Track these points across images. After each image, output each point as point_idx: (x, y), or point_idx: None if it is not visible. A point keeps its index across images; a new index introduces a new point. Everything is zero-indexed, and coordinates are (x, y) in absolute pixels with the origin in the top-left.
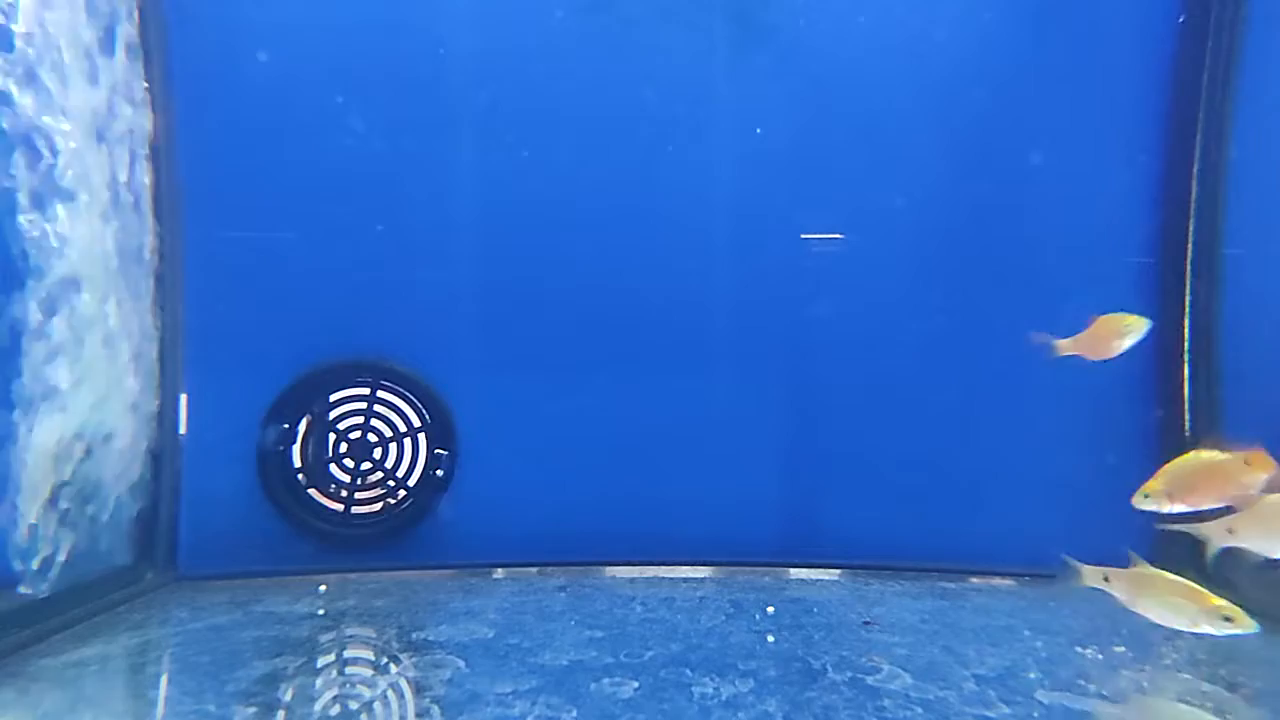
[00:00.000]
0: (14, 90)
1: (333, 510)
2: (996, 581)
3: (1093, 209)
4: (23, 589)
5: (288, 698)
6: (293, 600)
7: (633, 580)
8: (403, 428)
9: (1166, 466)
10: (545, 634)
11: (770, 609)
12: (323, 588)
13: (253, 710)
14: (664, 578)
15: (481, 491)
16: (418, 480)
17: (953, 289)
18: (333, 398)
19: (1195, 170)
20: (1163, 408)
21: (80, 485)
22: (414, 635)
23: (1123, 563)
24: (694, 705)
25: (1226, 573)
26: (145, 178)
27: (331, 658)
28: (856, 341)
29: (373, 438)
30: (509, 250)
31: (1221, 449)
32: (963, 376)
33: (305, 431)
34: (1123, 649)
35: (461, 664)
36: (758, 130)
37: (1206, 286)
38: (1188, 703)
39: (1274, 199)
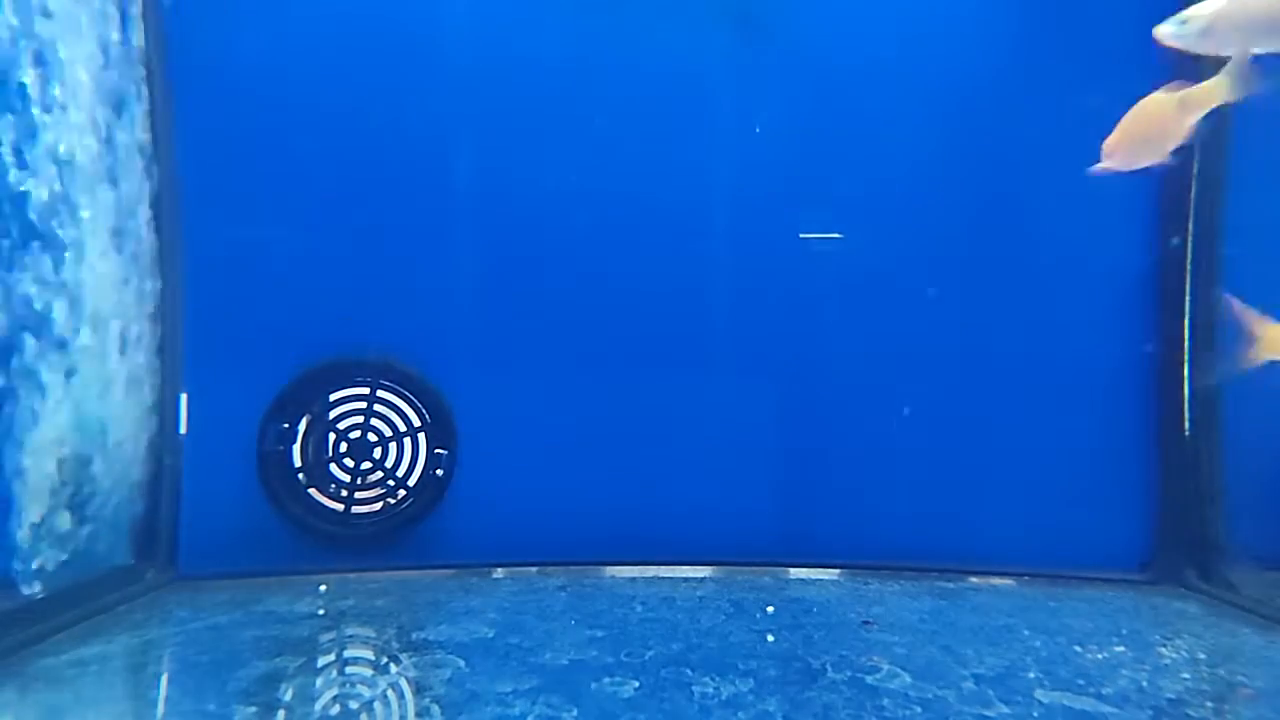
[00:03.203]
0: (14, 93)
1: (333, 510)
2: (996, 581)
3: (1093, 209)
4: (23, 589)
5: (288, 698)
6: (293, 600)
7: (633, 580)
8: (403, 427)
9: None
10: (545, 634)
11: (770, 609)
12: (323, 588)
13: (253, 710)
14: (664, 577)
15: (481, 491)
16: (418, 480)
17: (952, 288)
18: (333, 397)
19: (1195, 170)
20: (1163, 407)
21: (80, 485)
22: (414, 635)
23: (1123, 565)
24: (694, 705)
25: (1226, 573)
26: (145, 176)
27: (331, 657)
28: (856, 341)
29: (373, 437)
30: (509, 250)
31: None
32: (962, 376)
33: (305, 431)
34: (1123, 649)
35: (462, 664)
36: (757, 129)
37: (1206, 286)
38: (1188, 703)
39: (1274, 199)
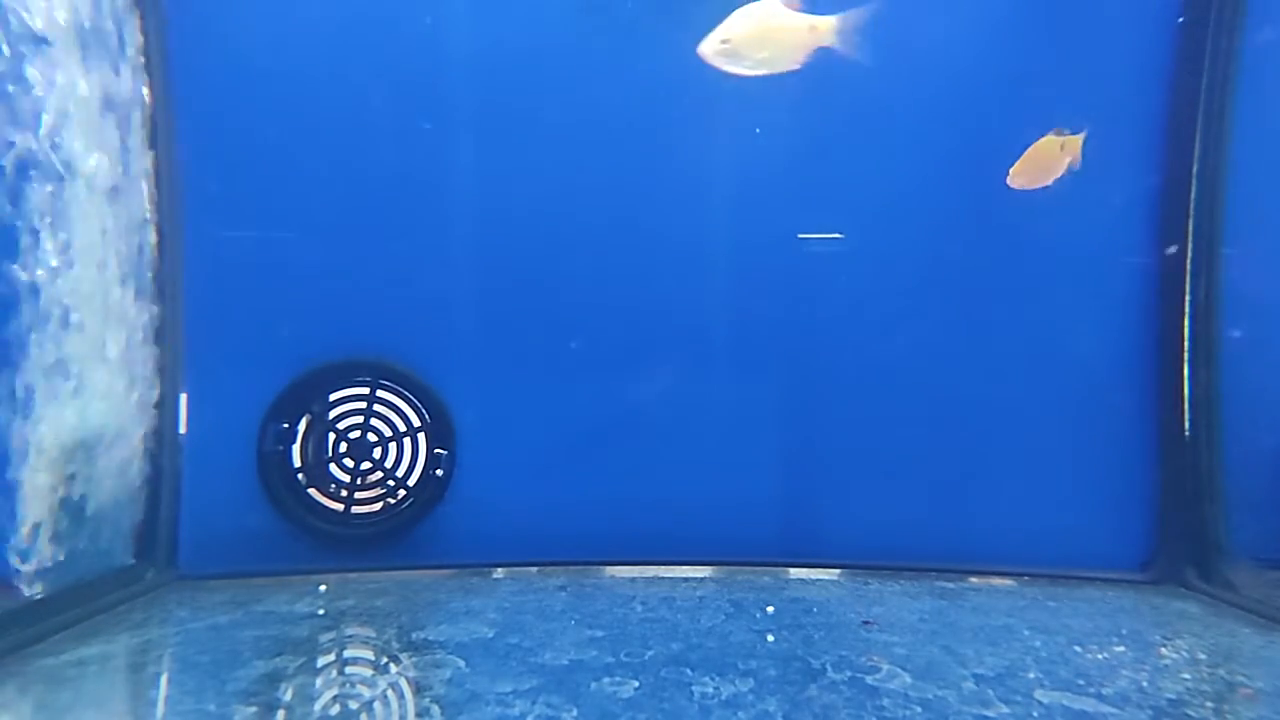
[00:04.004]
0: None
1: (333, 510)
2: (995, 581)
3: (1093, 208)
4: (23, 589)
5: (288, 698)
6: (293, 600)
7: (633, 580)
8: (402, 427)
9: None
10: (545, 633)
11: (770, 609)
12: (323, 588)
13: (253, 710)
14: (664, 577)
15: (481, 491)
16: (418, 480)
17: (952, 288)
18: (332, 397)
19: (1195, 170)
20: (1163, 408)
21: (80, 485)
22: (414, 635)
23: (1123, 565)
24: (694, 705)
25: (1226, 573)
26: (145, 178)
27: (331, 657)
28: (856, 341)
29: (372, 437)
30: (509, 249)
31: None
32: (962, 376)
33: (305, 431)
34: (1122, 649)
35: (461, 664)
36: (757, 130)
37: (1206, 286)
38: (1188, 703)
39: (1274, 199)
